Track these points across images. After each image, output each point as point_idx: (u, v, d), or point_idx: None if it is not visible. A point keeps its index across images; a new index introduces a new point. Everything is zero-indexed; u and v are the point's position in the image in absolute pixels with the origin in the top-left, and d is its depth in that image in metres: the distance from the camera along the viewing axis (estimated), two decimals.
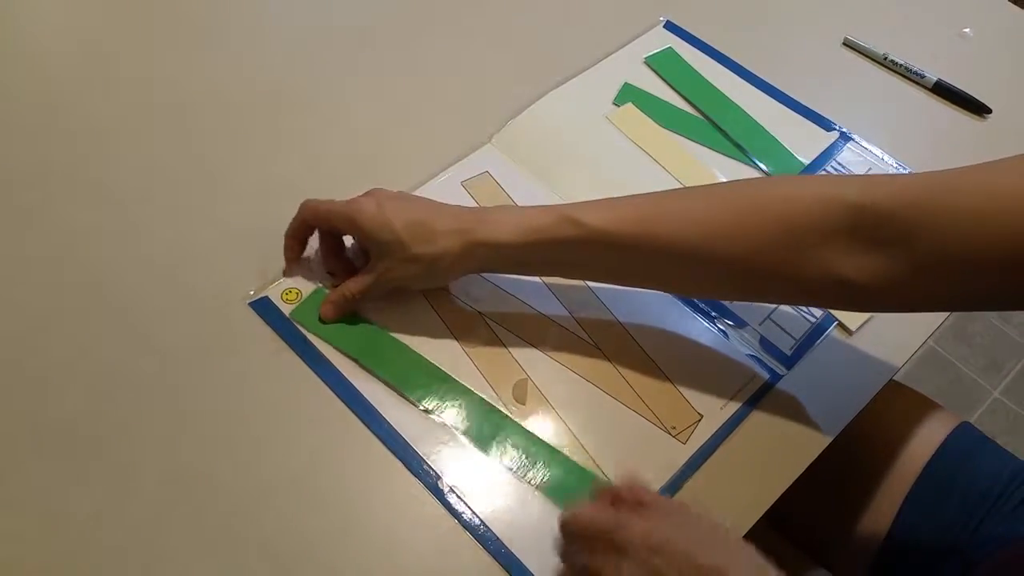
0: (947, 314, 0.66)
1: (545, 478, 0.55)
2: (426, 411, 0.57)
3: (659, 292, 0.64)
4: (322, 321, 0.59)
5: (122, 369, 0.57)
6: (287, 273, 0.62)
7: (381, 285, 0.59)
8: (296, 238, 0.61)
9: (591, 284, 0.64)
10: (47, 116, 0.70)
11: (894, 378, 0.64)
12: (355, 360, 0.58)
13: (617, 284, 0.61)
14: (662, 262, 0.55)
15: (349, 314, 0.60)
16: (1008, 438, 0.76)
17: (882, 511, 0.72)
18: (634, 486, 0.47)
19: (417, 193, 0.66)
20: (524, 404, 0.58)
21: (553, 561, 0.51)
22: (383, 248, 0.57)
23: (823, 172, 0.73)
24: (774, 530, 0.76)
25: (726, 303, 0.64)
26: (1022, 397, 1.60)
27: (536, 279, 0.64)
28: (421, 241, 0.56)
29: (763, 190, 0.55)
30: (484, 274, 0.63)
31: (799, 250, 0.52)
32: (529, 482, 0.54)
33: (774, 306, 0.64)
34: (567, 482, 0.55)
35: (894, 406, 0.77)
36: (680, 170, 0.71)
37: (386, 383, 0.57)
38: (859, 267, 0.51)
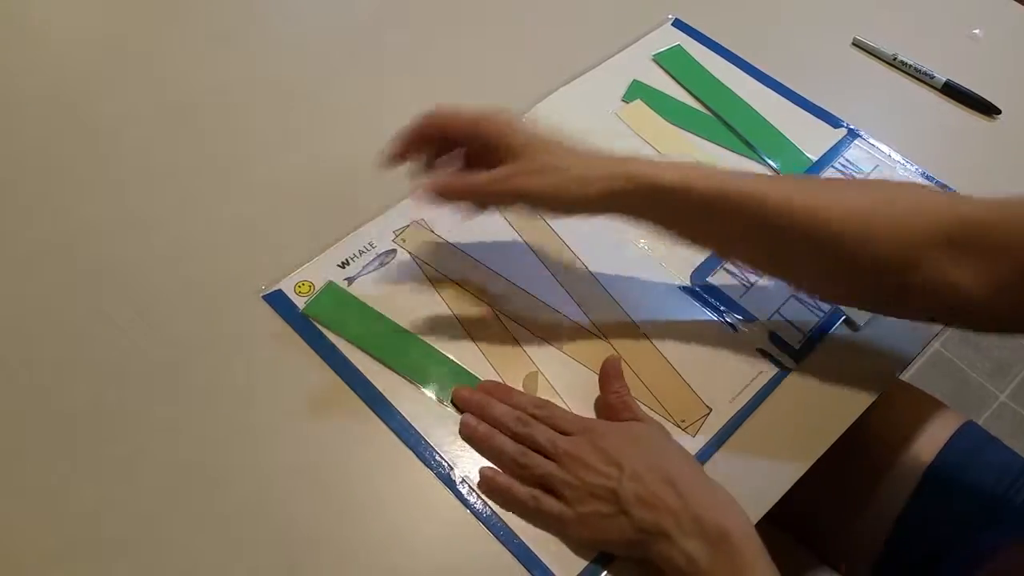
0: None
1: None
2: (440, 401, 0.57)
3: (669, 286, 0.64)
4: (426, 194, 0.56)
5: (136, 361, 0.57)
6: (388, 164, 0.58)
7: (494, 186, 0.55)
8: (406, 138, 0.58)
9: (601, 280, 0.64)
10: (60, 112, 0.70)
11: (904, 379, 0.64)
12: (367, 352, 0.58)
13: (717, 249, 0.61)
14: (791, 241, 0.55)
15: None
16: (1014, 441, 0.76)
17: (887, 509, 0.72)
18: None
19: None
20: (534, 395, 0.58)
21: (563, 550, 0.52)
22: (510, 151, 0.55)
23: (831, 169, 0.73)
24: (779, 527, 0.76)
25: (735, 298, 0.64)
26: None
27: (547, 272, 0.64)
28: (548, 153, 0.55)
29: (875, 186, 0.57)
30: (492, 267, 0.64)
31: (905, 250, 0.52)
32: None
33: (783, 300, 0.65)
34: None
35: (900, 405, 0.78)
36: None
37: (400, 374, 0.58)
38: (959, 277, 0.52)
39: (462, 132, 0.57)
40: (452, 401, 0.57)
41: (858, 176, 0.73)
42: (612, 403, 0.56)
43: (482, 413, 0.56)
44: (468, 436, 0.55)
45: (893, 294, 0.56)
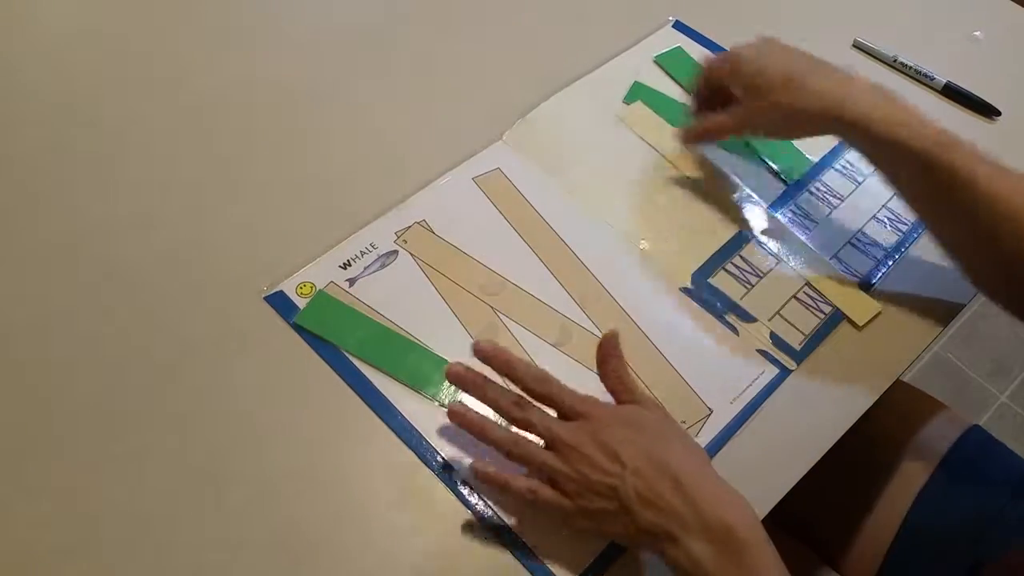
0: (954, 318, 0.66)
1: None
2: (441, 405, 0.57)
3: (670, 287, 0.64)
4: (685, 141, 0.70)
5: (138, 361, 0.57)
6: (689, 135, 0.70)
7: (743, 123, 0.64)
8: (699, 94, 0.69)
9: (603, 281, 0.64)
10: (69, 112, 0.71)
11: (905, 380, 0.64)
12: (364, 361, 0.58)
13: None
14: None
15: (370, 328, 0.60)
16: (1015, 443, 0.76)
17: (892, 511, 0.72)
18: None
19: (427, 189, 0.67)
20: None
21: (564, 551, 0.52)
22: (751, 91, 0.62)
23: (831, 171, 0.74)
24: (783, 530, 0.76)
25: (736, 299, 0.64)
26: None
27: (548, 274, 0.64)
28: (786, 91, 0.60)
29: None
30: (494, 268, 0.64)
31: None
32: None
33: (784, 302, 0.65)
34: None
35: (904, 407, 0.78)
36: (690, 168, 0.72)
37: (399, 382, 0.58)
38: None
39: (720, 73, 0.66)
40: (446, 376, 0.53)
41: (858, 179, 0.73)
42: (611, 386, 0.55)
43: (477, 394, 0.53)
44: (457, 423, 0.53)
45: None
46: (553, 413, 0.53)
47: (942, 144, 0.56)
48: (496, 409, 0.53)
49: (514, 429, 0.52)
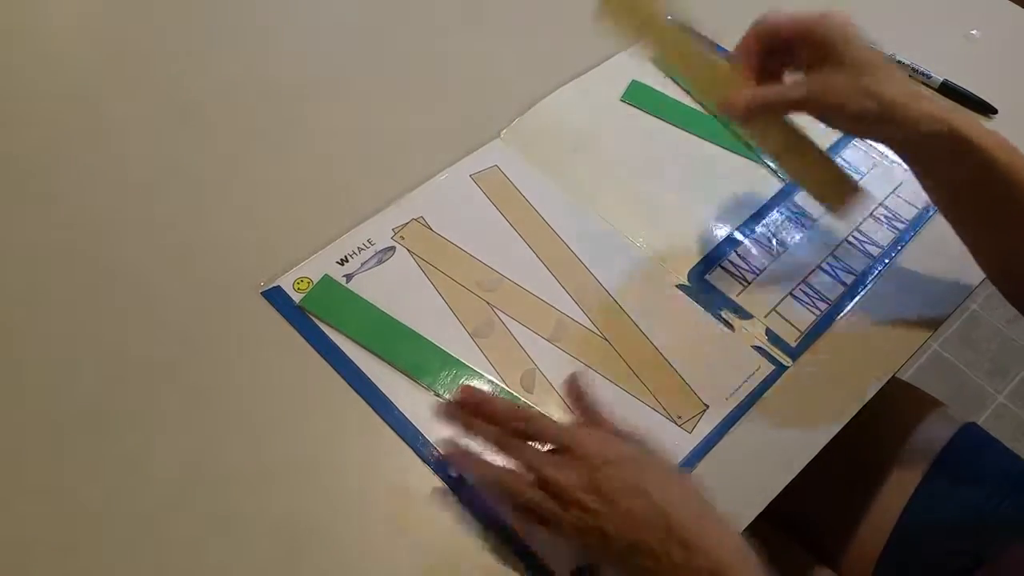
0: (951, 313, 0.66)
1: None
2: (437, 395, 0.57)
3: (667, 284, 0.64)
4: (731, 114, 0.57)
5: (137, 357, 0.58)
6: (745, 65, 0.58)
7: (815, 94, 0.55)
8: (747, 50, 0.58)
9: (599, 277, 0.65)
10: (68, 110, 0.71)
11: (902, 378, 0.64)
12: (365, 347, 0.59)
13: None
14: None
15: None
16: (1013, 443, 0.76)
17: (888, 509, 0.72)
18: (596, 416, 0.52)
19: (425, 186, 0.68)
20: (532, 393, 0.58)
21: (560, 544, 0.52)
22: (856, 66, 0.53)
23: None
24: (779, 528, 0.76)
25: (732, 296, 0.65)
26: None
27: (545, 270, 0.64)
28: (873, 75, 0.53)
29: None
30: (491, 265, 0.64)
31: None
32: None
33: (780, 299, 0.65)
34: None
35: (901, 405, 0.78)
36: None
37: (398, 369, 0.58)
38: None
39: (795, 34, 0.56)
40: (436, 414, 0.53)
41: (855, 176, 0.73)
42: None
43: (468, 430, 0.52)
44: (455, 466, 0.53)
45: None
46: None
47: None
48: (488, 442, 0.51)
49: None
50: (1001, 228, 0.58)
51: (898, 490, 0.72)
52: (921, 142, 0.55)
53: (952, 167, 0.56)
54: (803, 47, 0.56)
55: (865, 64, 0.53)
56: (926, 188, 0.61)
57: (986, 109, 0.79)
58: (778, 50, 0.57)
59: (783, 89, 0.57)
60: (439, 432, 0.55)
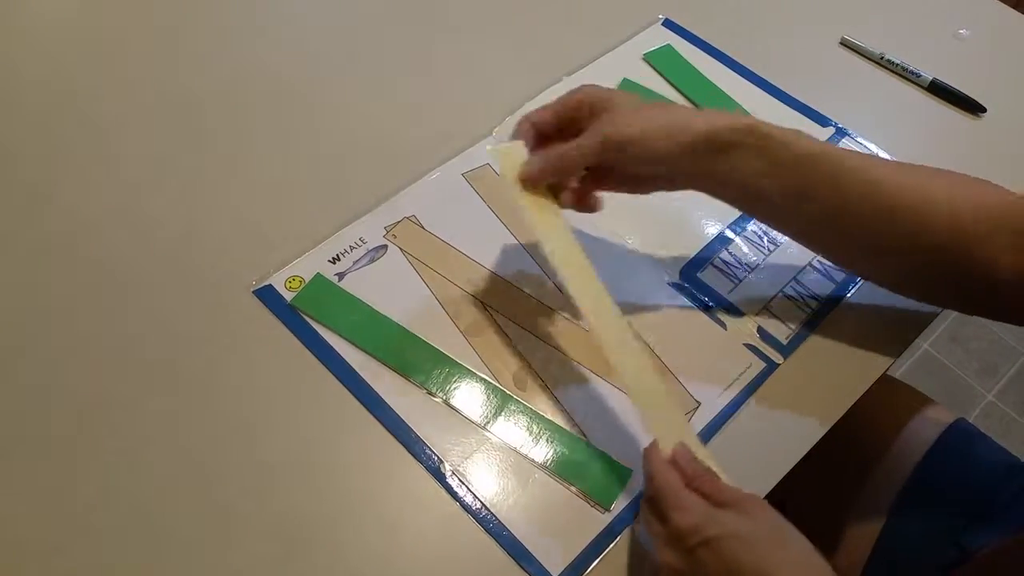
0: (941, 311, 0.67)
1: (550, 455, 0.55)
2: (429, 393, 0.57)
3: (659, 282, 0.65)
4: (524, 182, 0.56)
5: (129, 355, 0.57)
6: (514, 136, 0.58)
7: (582, 144, 0.54)
8: (531, 119, 0.57)
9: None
10: (62, 107, 0.70)
11: (891, 375, 0.65)
12: (357, 346, 0.59)
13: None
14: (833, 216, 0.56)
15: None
16: (1002, 441, 0.77)
17: (877, 504, 0.72)
18: (704, 476, 0.49)
19: (417, 185, 0.68)
20: (524, 391, 0.58)
21: (552, 542, 0.52)
22: (605, 107, 0.55)
23: None
24: None
25: (724, 293, 0.65)
26: (1016, 400, 1.61)
27: (537, 268, 0.64)
28: (640, 107, 0.55)
29: (950, 176, 0.57)
30: (485, 263, 0.64)
31: (969, 237, 0.54)
32: (534, 460, 0.55)
33: (771, 296, 0.65)
34: (573, 458, 0.56)
35: (891, 402, 0.78)
36: None
37: (389, 367, 0.58)
38: (1015, 264, 0.53)
39: (565, 114, 0.57)
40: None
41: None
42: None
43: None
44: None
45: (964, 282, 0.56)
46: None
47: (821, 142, 0.56)
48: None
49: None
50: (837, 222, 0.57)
51: (888, 485, 0.73)
52: (729, 154, 0.54)
53: (763, 168, 0.55)
54: (579, 122, 0.56)
55: (638, 102, 0.55)
56: (759, 216, 0.61)
57: (975, 108, 0.79)
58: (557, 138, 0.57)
59: (574, 143, 0.55)
60: (430, 430, 0.56)
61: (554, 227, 0.56)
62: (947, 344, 1.67)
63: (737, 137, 0.54)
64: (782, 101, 0.79)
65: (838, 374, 0.62)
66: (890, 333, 0.65)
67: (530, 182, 0.56)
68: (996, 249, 0.53)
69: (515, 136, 0.57)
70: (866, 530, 0.72)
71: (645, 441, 0.53)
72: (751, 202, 0.58)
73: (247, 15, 0.80)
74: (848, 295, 0.66)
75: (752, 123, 0.54)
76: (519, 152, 0.57)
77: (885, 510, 0.72)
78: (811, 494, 0.72)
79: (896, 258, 0.57)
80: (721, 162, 0.55)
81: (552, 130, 0.57)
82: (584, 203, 0.59)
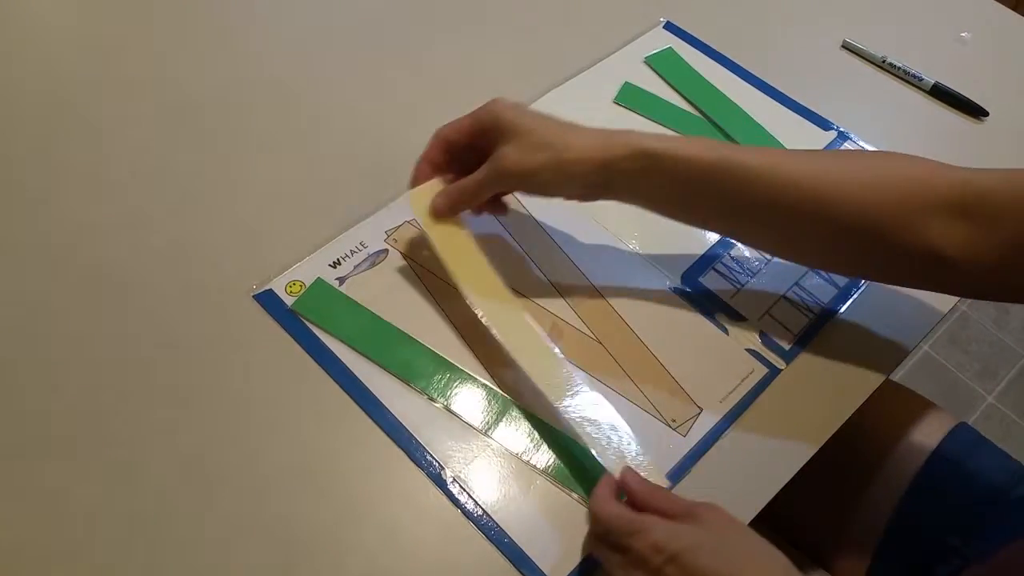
0: (942, 316, 0.66)
1: (551, 461, 0.55)
2: (430, 399, 0.57)
3: (660, 287, 0.64)
4: (435, 216, 0.60)
5: (129, 361, 0.57)
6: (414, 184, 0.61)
7: (481, 178, 0.58)
8: (429, 160, 0.61)
9: (592, 280, 0.64)
10: (58, 113, 0.70)
11: (893, 379, 0.64)
12: (358, 350, 0.58)
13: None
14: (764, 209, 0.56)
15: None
16: (1003, 444, 0.77)
17: (879, 510, 0.72)
18: (655, 494, 0.50)
19: (416, 187, 0.67)
20: (525, 396, 0.58)
21: (554, 549, 0.52)
22: (503, 134, 0.56)
23: None
24: (772, 529, 0.76)
25: (726, 299, 0.64)
26: (1016, 403, 1.61)
27: (538, 272, 0.64)
28: (538, 132, 0.56)
29: (876, 156, 0.57)
30: None
31: (903, 215, 0.53)
32: (535, 466, 0.55)
33: (773, 302, 0.65)
34: (574, 464, 0.55)
35: (892, 406, 0.78)
36: None
37: (390, 372, 0.58)
38: (953, 240, 0.52)
39: (467, 136, 0.59)
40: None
41: None
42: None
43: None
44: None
45: (883, 256, 0.56)
46: None
47: (733, 148, 0.57)
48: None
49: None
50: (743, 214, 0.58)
51: (890, 490, 0.73)
52: (627, 178, 0.56)
53: (662, 184, 0.57)
54: (485, 141, 0.58)
55: (542, 130, 0.56)
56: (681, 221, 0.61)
57: (977, 111, 0.79)
58: (466, 155, 0.60)
59: (473, 179, 0.58)
60: (431, 436, 0.55)
61: (463, 251, 0.60)
62: (947, 346, 1.67)
63: (628, 164, 0.56)
64: (783, 104, 0.79)
65: (841, 380, 0.62)
66: (893, 337, 0.64)
67: (440, 216, 0.60)
68: (932, 226, 0.53)
69: (425, 155, 0.61)
70: (869, 536, 0.72)
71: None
72: (662, 213, 0.60)
73: (247, 19, 0.80)
74: (850, 300, 0.66)
75: (643, 145, 0.55)
76: (433, 190, 0.61)
77: (888, 516, 0.72)
78: (813, 498, 0.72)
79: (826, 244, 0.57)
80: (619, 186, 0.57)
81: (462, 148, 0.60)
82: (494, 211, 0.64)
